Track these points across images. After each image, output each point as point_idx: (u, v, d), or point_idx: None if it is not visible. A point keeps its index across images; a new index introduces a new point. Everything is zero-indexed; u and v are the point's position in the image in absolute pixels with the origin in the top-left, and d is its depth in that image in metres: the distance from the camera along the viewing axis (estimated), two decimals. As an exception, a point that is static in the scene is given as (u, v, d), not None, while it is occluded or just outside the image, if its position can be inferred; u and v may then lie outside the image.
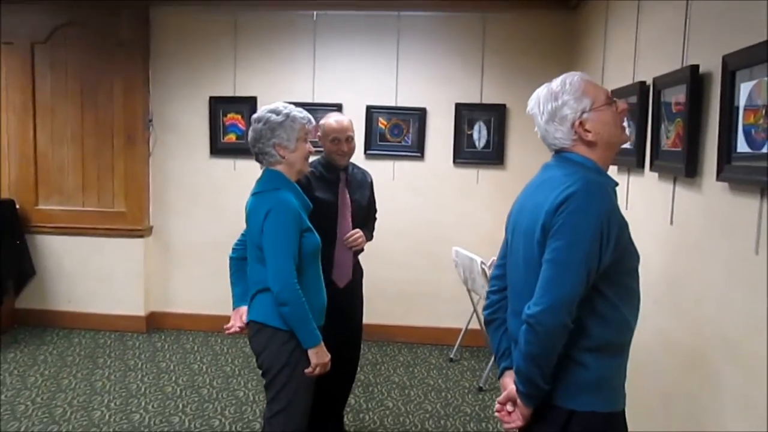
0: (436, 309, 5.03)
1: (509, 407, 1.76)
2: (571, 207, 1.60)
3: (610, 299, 1.68)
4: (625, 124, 2.98)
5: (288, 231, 2.28)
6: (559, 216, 1.60)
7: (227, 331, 2.49)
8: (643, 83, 2.88)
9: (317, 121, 3.08)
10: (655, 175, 2.75)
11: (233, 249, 2.64)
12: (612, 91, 3.32)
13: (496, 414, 1.80)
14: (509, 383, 1.79)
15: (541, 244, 1.65)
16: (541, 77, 4.82)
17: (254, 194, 2.40)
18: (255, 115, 2.45)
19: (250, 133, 2.43)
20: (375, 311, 5.03)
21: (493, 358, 4.21)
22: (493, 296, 1.93)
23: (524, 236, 1.74)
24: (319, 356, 2.33)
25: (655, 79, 2.69)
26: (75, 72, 5.10)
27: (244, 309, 2.48)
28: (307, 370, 2.34)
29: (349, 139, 3.16)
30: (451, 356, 4.73)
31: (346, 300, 3.22)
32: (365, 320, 4.97)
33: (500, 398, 1.79)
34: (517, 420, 1.74)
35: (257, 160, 2.47)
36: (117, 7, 4.97)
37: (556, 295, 1.59)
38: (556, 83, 1.77)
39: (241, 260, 2.56)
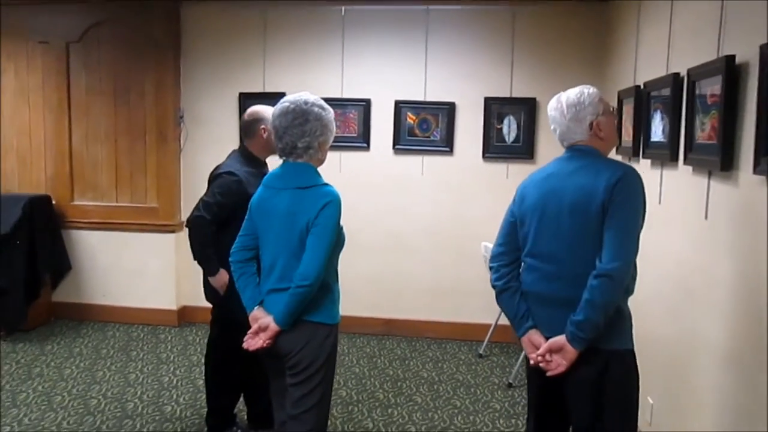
0: (464, 304, 5.01)
1: (548, 357, 2.09)
2: (627, 185, 2.03)
3: (635, 261, 2.09)
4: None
5: (337, 226, 2.28)
6: (618, 191, 2.01)
7: (250, 348, 2.33)
8: (676, 75, 2.81)
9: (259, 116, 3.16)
10: (689, 168, 2.69)
11: (233, 253, 2.47)
12: (644, 83, 3.29)
13: (540, 364, 2.10)
14: (539, 339, 2.15)
15: (599, 215, 2.03)
16: (572, 70, 4.82)
17: (296, 188, 2.29)
18: (292, 106, 2.28)
19: (291, 125, 2.27)
20: (402, 306, 5.06)
21: (523, 353, 4.17)
22: (505, 269, 2.29)
23: (570, 213, 2.09)
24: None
25: (689, 71, 2.62)
26: (108, 70, 5.19)
27: (262, 316, 2.35)
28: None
29: None
30: (480, 352, 4.70)
31: None
32: (394, 315, 5.03)
33: (540, 351, 2.11)
34: (560, 366, 2.07)
35: (288, 152, 2.33)
36: (148, 5, 5.04)
37: (629, 252, 2.02)
38: (575, 91, 2.20)
39: (244, 262, 2.46)
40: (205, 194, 3.12)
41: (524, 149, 4.82)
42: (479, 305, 4.92)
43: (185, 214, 5.25)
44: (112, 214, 5.29)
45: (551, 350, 2.09)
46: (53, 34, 5.18)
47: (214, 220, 3.04)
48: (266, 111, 3.17)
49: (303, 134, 2.28)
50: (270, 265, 2.36)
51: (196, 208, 3.10)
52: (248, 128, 3.19)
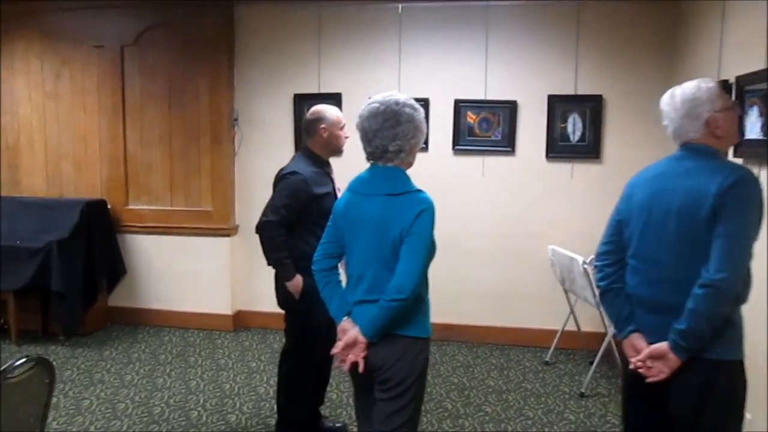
0: (527, 309, 4.84)
1: (649, 363, 2.02)
2: (741, 190, 1.90)
3: (750, 267, 1.99)
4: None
5: (432, 234, 2.15)
6: (730, 197, 1.88)
7: (346, 367, 2.20)
8: (782, 68, 2.62)
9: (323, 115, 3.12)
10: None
11: (315, 261, 2.35)
12: (737, 78, 3.09)
13: (639, 369, 2.04)
14: (641, 343, 2.08)
15: (709, 221, 1.91)
16: (641, 65, 4.62)
17: (388, 195, 2.16)
18: (382, 107, 2.14)
19: (382, 127, 2.13)
20: (463, 311, 4.92)
21: (596, 360, 4.02)
22: (609, 269, 2.20)
23: (678, 216, 1.99)
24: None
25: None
26: (162, 73, 5.15)
27: (350, 328, 2.21)
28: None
29: None
30: (546, 359, 4.54)
31: None
32: (453, 320, 4.89)
33: (640, 356, 2.05)
34: (662, 373, 2.00)
35: (378, 157, 2.19)
36: (202, 7, 4.98)
37: (738, 263, 1.91)
38: (691, 85, 2.05)
39: (328, 271, 2.34)
40: (271, 197, 3.06)
41: (590, 148, 4.64)
42: (543, 310, 4.77)
43: (240, 217, 5.22)
44: (166, 218, 5.26)
45: (652, 356, 2.03)
46: (108, 38, 5.16)
47: (282, 223, 2.97)
48: (327, 111, 3.13)
49: (394, 137, 2.15)
50: (358, 275, 2.24)
51: (264, 213, 3.04)
52: (309, 127, 3.14)
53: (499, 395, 3.99)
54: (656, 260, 2.05)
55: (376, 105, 2.18)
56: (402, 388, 2.18)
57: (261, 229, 3.02)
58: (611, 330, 3.96)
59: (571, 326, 4.50)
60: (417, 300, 2.16)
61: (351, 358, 2.18)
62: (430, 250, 2.16)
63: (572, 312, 4.42)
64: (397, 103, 2.17)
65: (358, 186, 2.28)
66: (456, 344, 4.87)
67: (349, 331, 2.22)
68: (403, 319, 2.15)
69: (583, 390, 4.00)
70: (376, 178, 2.23)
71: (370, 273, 2.19)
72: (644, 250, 2.09)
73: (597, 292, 3.82)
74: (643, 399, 2.17)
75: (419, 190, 2.18)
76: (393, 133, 2.15)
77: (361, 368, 2.18)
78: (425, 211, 2.12)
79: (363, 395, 2.36)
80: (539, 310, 4.79)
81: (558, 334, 4.52)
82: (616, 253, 2.19)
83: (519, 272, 4.83)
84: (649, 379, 2.02)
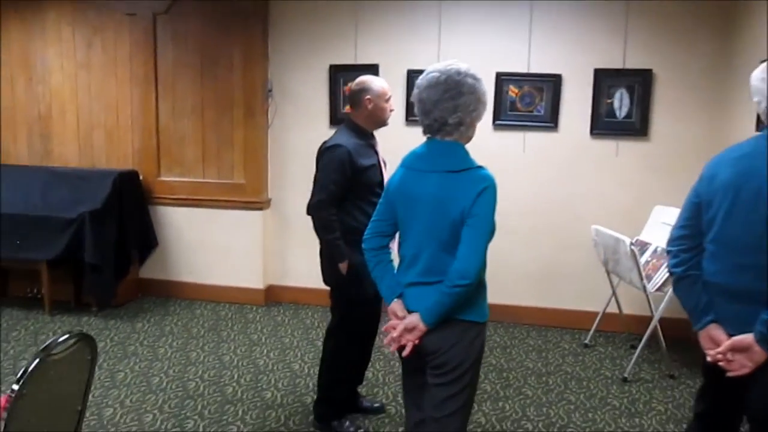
0: (567, 290, 4.72)
1: (730, 356, 1.90)
2: None
3: None
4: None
5: (494, 213, 2.03)
6: None
7: (393, 348, 2.15)
8: None
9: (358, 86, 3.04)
10: None
11: (365, 240, 2.27)
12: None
13: (719, 363, 1.92)
14: (720, 335, 1.95)
15: None
16: (695, 39, 4.42)
17: (447, 172, 2.04)
18: (443, 77, 2.01)
19: (442, 98, 2.00)
20: (501, 291, 4.78)
21: (641, 344, 3.89)
22: (685, 254, 2.06)
23: None
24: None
25: None
26: (195, 43, 5.04)
27: (403, 311, 2.14)
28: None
29: None
30: (586, 342, 4.42)
31: None
32: (489, 300, 4.76)
33: (721, 348, 1.92)
34: (744, 368, 1.87)
35: (437, 130, 2.06)
36: (236, -26, 4.85)
37: None
38: None
39: (378, 250, 2.25)
40: (316, 175, 2.97)
41: (637, 125, 4.45)
42: (583, 292, 4.64)
43: (272, 191, 5.14)
44: (198, 190, 5.19)
45: (734, 349, 1.89)
46: (140, 5, 5.05)
47: (332, 200, 2.88)
48: (373, 82, 3.03)
49: (455, 109, 2.01)
50: (413, 255, 2.13)
51: (313, 193, 2.95)
52: (354, 97, 3.04)
53: (538, 378, 3.89)
54: (741, 245, 1.91)
55: (436, 74, 2.05)
56: (457, 374, 2.08)
57: (312, 209, 2.93)
58: (658, 313, 3.83)
59: (612, 308, 4.37)
60: (477, 283, 2.05)
61: (403, 341, 2.10)
62: (491, 231, 2.05)
63: (614, 294, 4.28)
64: (458, 73, 2.03)
65: (413, 162, 2.16)
66: (492, 324, 4.76)
67: (407, 318, 2.11)
68: (462, 303, 2.04)
69: (626, 375, 3.88)
70: (433, 153, 2.10)
71: (426, 254, 2.09)
72: (728, 233, 1.94)
73: (644, 274, 3.74)
74: (720, 394, 2.07)
75: (480, 167, 2.06)
76: (454, 105, 2.02)
77: (405, 352, 2.10)
78: (487, 189, 1.99)
79: (412, 379, 2.27)
80: (579, 291, 4.67)
81: (598, 316, 4.38)
82: (693, 237, 2.05)
83: (559, 251, 4.70)
84: (731, 374, 1.90)
